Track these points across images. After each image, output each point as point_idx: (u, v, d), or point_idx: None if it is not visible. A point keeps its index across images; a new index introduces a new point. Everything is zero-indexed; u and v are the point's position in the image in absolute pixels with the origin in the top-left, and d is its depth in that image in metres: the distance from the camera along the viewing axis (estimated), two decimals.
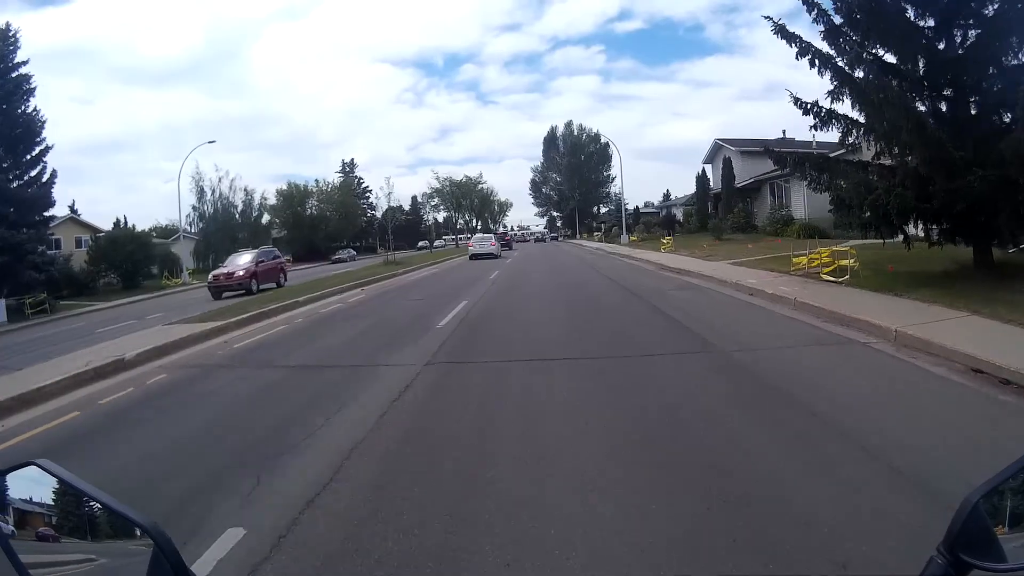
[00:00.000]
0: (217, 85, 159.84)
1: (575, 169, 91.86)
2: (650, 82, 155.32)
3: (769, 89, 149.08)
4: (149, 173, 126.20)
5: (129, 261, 38.78)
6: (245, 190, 57.10)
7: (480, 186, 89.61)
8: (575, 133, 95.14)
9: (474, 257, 37.12)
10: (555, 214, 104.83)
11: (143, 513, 0.97)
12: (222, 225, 54.38)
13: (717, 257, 22.21)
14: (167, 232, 60.00)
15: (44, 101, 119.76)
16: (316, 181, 69.99)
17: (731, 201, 39.08)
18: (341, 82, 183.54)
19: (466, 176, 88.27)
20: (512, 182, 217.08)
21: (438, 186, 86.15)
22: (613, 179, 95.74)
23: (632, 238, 44.55)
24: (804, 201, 34.26)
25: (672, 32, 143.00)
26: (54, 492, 1.01)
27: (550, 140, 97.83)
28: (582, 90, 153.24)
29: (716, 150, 44.85)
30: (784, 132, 47.44)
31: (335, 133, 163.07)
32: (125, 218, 73.81)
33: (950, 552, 0.92)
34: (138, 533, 0.97)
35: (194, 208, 55.73)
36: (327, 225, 65.35)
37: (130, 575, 0.97)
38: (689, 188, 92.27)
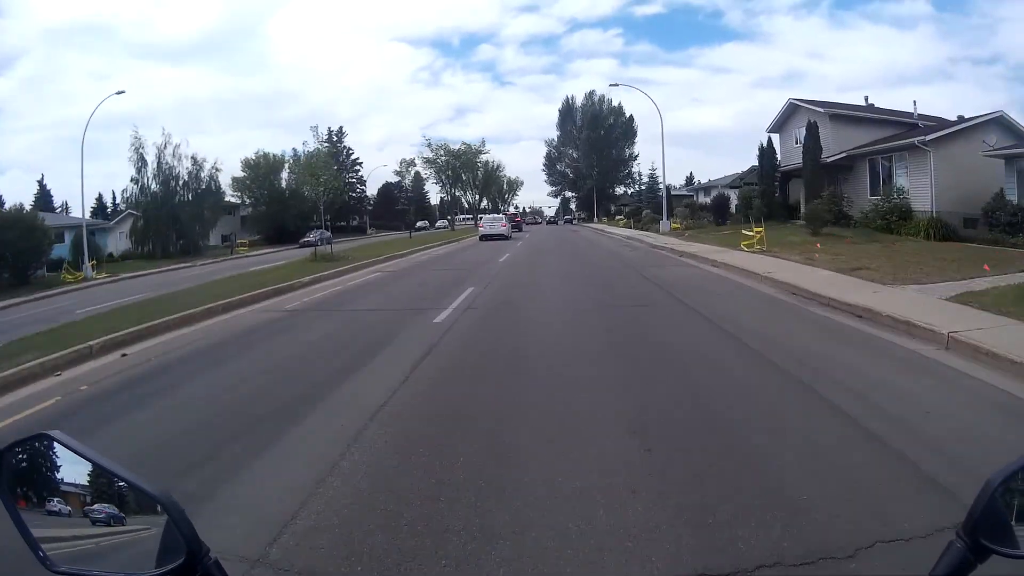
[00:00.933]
0: (234, 62, 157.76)
1: (594, 144, 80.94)
2: (667, 67, 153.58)
3: (788, 77, 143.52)
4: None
5: (10, 251, 29.22)
6: (193, 158, 46.79)
7: (482, 156, 75.35)
8: (595, 105, 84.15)
9: (484, 238, 36.10)
10: (570, 194, 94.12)
11: (155, 483, 0.94)
12: (162, 202, 44.48)
13: (879, 272, 12.01)
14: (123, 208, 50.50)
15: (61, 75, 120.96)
16: (294, 150, 59.73)
17: (818, 181, 28.61)
18: (358, 60, 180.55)
19: (465, 144, 74.04)
20: (527, 163, 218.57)
21: (430, 155, 71.52)
22: (636, 157, 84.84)
23: (675, 225, 34.26)
24: (932, 187, 23.93)
25: (691, 17, 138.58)
26: (65, 463, 0.99)
27: (567, 112, 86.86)
28: (599, 72, 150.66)
29: (790, 114, 34.14)
30: (867, 99, 37.02)
31: (351, 111, 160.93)
32: (114, 194, 65.12)
33: (970, 536, 0.89)
34: (150, 504, 0.95)
35: (134, 181, 45.82)
36: (301, 202, 55.22)
37: (142, 546, 0.95)
38: (713, 173, 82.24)
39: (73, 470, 0.98)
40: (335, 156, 72.83)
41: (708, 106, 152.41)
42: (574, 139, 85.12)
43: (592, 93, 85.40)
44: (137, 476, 0.95)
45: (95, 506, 0.98)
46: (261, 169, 55.40)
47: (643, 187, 74.45)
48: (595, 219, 78.61)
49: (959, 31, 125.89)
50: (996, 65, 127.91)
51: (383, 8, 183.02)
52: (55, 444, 0.97)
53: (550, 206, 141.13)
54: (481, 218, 47.57)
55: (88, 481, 0.98)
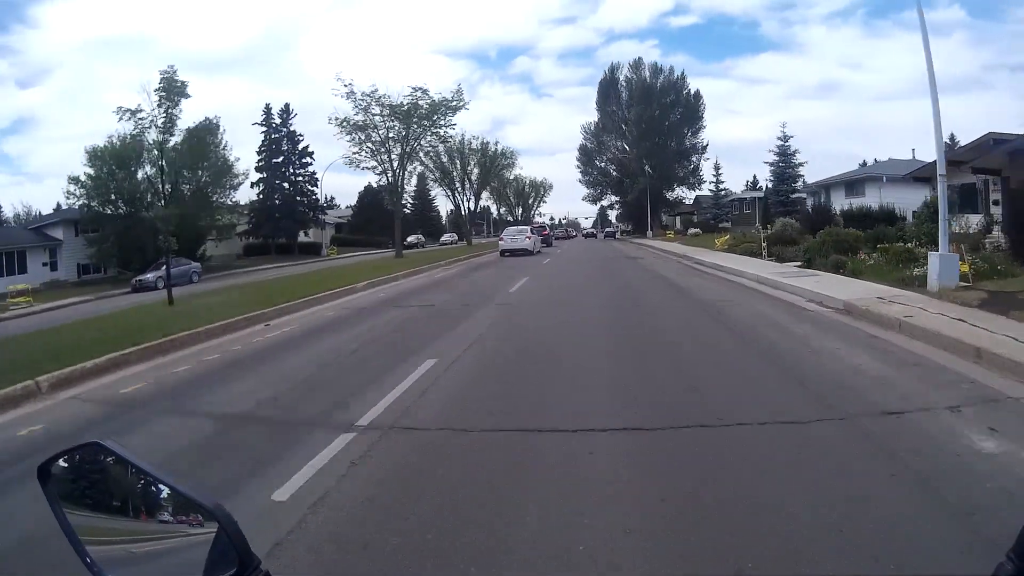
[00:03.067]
0: (270, 75, 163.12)
1: (647, 129, 58.09)
2: (703, 78, 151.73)
3: (823, 88, 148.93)
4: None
5: None
6: None
7: (454, 112, 36.82)
8: (647, 77, 61.38)
9: (506, 253, 30.80)
10: (613, 198, 70.87)
11: (207, 494, 0.93)
12: None
13: None
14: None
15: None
16: (188, 130, 37.84)
17: None
18: (396, 72, 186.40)
19: (418, 91, 35.48)
20: (563, 176, 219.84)
21: (350, 112, 35.95)
22: (705, 149, 61.56)
23: (964, 267, 11.53)
24: None
25: (727, 28, 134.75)
26: (115, 471, 0.99)
27: (608, 87, 63.86)
28: None
29: None
30: None
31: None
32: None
33: (1020, 558, 0.85)
34: (200, 514, 0.94)
35: None
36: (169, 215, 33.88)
37: (190, 556, 0.92)
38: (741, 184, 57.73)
39: (122, 478, 0.98)
40: (273, 143, 51.79)
41: (743, 117, 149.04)
42: (619, 123, 62.38)
43: (639, 62, 62.67)
44: (187, 486, 0.94)
45: (144, 515, 0.98)
46: (110, 162, 33.89)
47: (720, 189, 51.37)
48: (649, 232, 55.76)
49: (994, 38, 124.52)
50: None
51: (422, 20, 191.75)
52: (104, 452, 0.97)
53: (587, 217, 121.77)
54: (503, 232, 36.74)
55: (137, 489, 0.98)
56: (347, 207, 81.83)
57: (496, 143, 52.62)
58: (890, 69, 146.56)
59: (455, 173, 49.27)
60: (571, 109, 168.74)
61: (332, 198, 79.66)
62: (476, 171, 49.17)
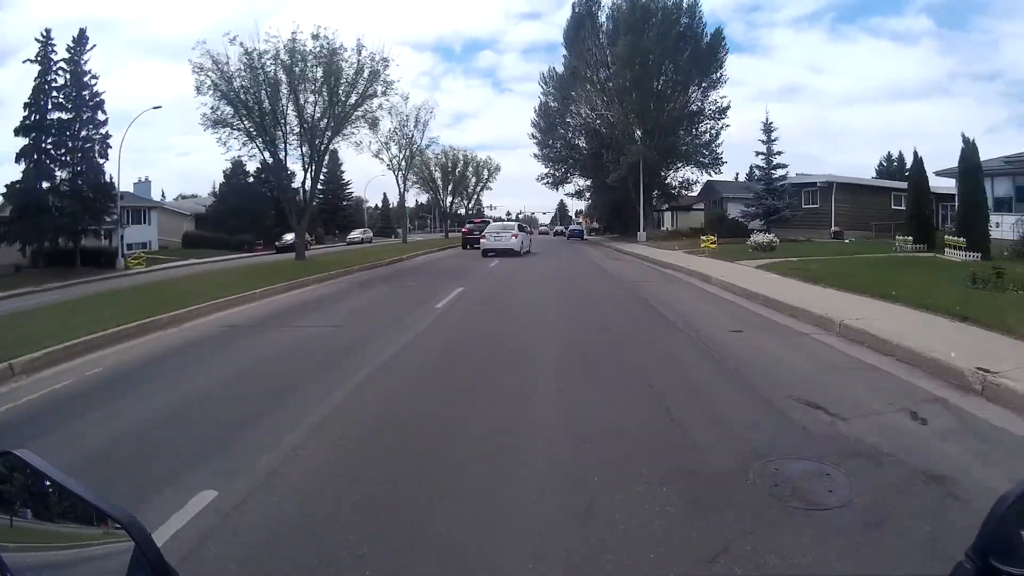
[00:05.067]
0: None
1: (639, 75, 37.67)
2: None
3: (787, 90, 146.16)
4: (162, 148, 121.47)
5: None
6: None
7: None
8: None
9: (489, 253, 26.31)
10: (583, 183, 49.66)
11: (120, 506, 0.91)
12: None
13: None
14: None
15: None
16: None
17: None
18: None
19: None
20: (524, 172, 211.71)
21: None
22: (726, 110, 41.55)
23: None
24: None
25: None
26: (30, 482, 0.98)
27: (583, 16, 43.47)
28: None
29: None
30: None
31: None
32: None
33: (980, 557, 0.86)
34: (115, 526, 0.92)
35: None
36: None
37: (108, 568, 0.91)
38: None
39: (37, 490, 0.97)
40: (53, 90, 29.45)
41: None
42: (597, 67, 41.70)
43: None
44: (102, 498, 0.92)
45: (59, 527, 0.96)
46: None
47: (771, 167, 30.89)
48: (641, 232, 35.91)
49: (960, 47, 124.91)
50: (996, 81, 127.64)
51: (386, 10, 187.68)
52: (19, 463, 0.94)
53: (545, 212, 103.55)
54: (486, 228, 30.36)
55: (53, 501, 0.96)
56: (208, 194, 60.60)
57: (360, 48, 24.59)
58: (853, 74, 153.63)
59: (267, 103, 22.84)
60: (533, 103, 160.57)
61: (121, 178, 57.48)
62: (319, 103, 24.45)
